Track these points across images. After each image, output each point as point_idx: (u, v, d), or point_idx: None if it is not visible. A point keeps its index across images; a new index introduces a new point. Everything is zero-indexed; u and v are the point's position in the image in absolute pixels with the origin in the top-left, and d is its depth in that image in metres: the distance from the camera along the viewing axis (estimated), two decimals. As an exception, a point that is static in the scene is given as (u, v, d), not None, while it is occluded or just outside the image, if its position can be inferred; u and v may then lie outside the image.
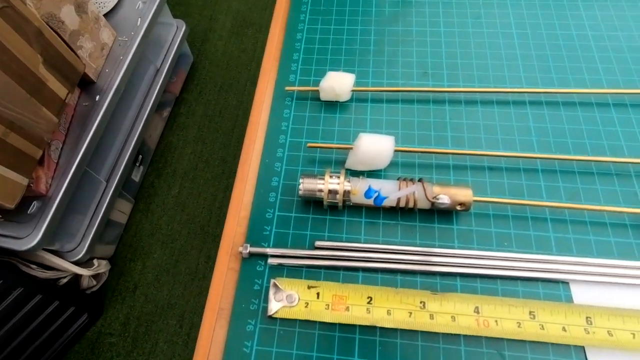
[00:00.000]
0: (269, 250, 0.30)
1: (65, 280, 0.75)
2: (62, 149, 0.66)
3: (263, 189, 0.33)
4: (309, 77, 0.38)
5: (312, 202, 0.32)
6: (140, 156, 0.99)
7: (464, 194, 0.29)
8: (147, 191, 1.02)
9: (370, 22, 0.42)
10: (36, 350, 0.73)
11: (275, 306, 0.27)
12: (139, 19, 0.82)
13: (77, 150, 0.66)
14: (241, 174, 0.34)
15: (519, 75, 0.37)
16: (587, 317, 0.26)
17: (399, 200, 0.29)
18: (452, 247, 0.30)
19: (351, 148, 0.32)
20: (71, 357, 0.82)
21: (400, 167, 0.33)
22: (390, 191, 0.29)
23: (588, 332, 0.26)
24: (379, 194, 0.29)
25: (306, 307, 0.27)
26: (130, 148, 0.88)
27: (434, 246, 0.30)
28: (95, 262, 0.82)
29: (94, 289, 0.86)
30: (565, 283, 0.28)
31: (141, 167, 1.00)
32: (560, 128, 0.34)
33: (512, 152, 0.33)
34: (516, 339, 0.26)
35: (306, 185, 0.30)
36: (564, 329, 0.26)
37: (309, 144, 0.33)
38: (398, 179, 0.30)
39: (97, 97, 0.72)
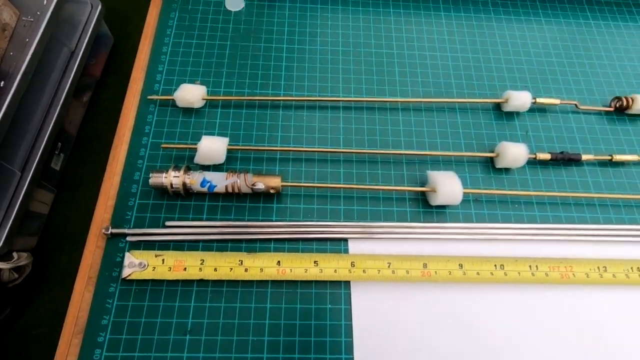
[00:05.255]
0: (128, 231, 0.36)
1: (-20, 276, 0.74)
2: (-37, 140, 0.65)
3: (127, 182, 0.39)
4: (171, 87, 0.44)
5: (166, 192, 0.38)
6: (60, 144, 0.96)
7: (274, 181, 0.37)
8: (70, 180, 1.00)
9: (227, 38, 0.47)
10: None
11: (128, 271, 0.34)
12: (46, -4, 0.77)
13: (-19, 140, 0.64)
14: (110, 170, 0.39)
15: (338, 85, 0.46)
16: (351, 262, 0.36)
17: (226, 187, 0.37)
18: (271, 220, 0.38)
19: (196, 147, 0.39)
20: (-3, 352, 0.81)
21: (239, 161, 0.41)
22: (219, 181, 0.37)
23: (351, 272, 0.36)
24: (210, 184, 0.36)
25: (153, 270, 0.34)
26: (47, 136, 0.86)
27: (257, 220, 0.38)
28: (15, 254, 0.81)
29: (17, 282, 0.85)
30: (345, 240, 0.38)
31: (62, 155, 0.98)
32: (360, 128, 0.43)
33: (323, 147, 0.42)
34: (304, 280, 0.36)
35: (153, 179, 0.36)
36: (335, 271, 0.36)
37: (162, 145, 0.39)
38: (228, 172, 0.38)
39: (2, 83, 0.69)
